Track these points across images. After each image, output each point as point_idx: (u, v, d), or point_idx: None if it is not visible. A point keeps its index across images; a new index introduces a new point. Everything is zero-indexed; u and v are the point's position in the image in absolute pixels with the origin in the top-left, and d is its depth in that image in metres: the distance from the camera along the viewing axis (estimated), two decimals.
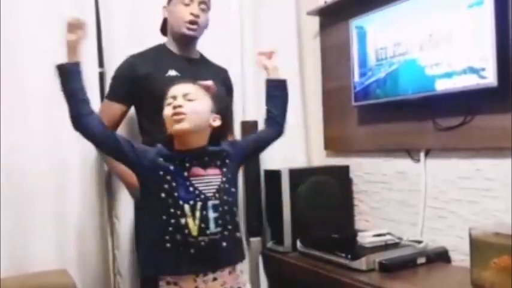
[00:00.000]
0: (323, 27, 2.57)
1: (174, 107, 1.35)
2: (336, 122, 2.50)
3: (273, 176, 2.21)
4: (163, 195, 1.32)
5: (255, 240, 2.27)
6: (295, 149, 2.48)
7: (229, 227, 1.37)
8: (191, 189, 1.33)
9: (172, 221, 1.31)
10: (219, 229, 1.34)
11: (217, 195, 1.36)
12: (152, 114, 1.76)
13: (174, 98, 1.37)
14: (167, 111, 1.37)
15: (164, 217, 1.31)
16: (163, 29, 1.94)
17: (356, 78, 2.22)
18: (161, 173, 1.34)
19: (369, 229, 2.19)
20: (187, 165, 1.35)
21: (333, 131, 2.52)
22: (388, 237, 1.98)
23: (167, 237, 1.31)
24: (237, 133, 2.20)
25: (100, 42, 2.04)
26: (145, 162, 1.36)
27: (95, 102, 1.95)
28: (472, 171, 1.83)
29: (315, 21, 2.59)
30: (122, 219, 2.02)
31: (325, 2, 2.41)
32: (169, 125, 1.37)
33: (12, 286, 1.59)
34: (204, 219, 1.32)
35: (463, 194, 1.86)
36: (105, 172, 2.02)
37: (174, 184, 1.32)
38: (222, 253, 1.35)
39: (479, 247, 1.55)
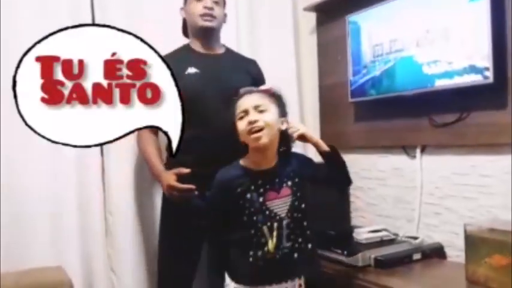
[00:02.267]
0: (320, 23, 2.57)
1: (250, 122, 1.43)
2: (333, 118, 2.50)
3: None
4: (245, 218, 1.45)
5: None
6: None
7: (300, 239, 1.48)
8: (267, 212, 1.45)
9: (254, 239, 1.44)
10: (290, 243, 1.46)
11: (289, 214, 1.48)
12: None
13: (246, 112, 1.45)
14: (241, 125, 1.45)
15: (246, 236, 1.45)
16: (185, 31, 1.97)
17: (352, 74, 2.22)
18: (241, 202, 1.46)
19: (365, 225, 2.20)
20: (261, 190, 1.46)
21: (330, 127, 2.52)
22: (384, 233, 1.99)
23: (250, 253, 1.45)
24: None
25: None
26: (228, 197, 1.47)
27: None
28: (468, 167, 1.83)
29: (312, 17, 2.58)
30: (116, 217, 2.02)
31: None
32: (245, 139, 1.46)
33: (8, 282, 1.58)
34: (280, 237, 1.45)
35: (459, 190, 1.87)
36: (101, 169, 2.02)
37: (252, 210, 1.45)
38: (294, 264, 1.47)
39: (474, 243, 1.56)
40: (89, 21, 1.99)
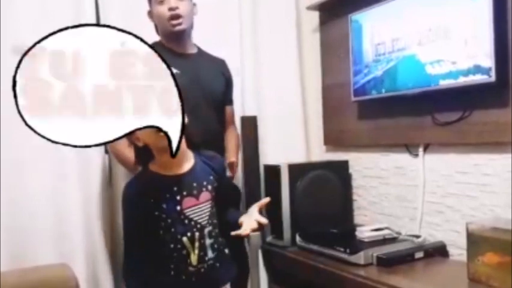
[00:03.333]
0: (323, 22, 2.57)
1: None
2: (336, 117, 2.50)
3: (273, 171, 2.21)
4: (161, 231, 1.35)
5: (255, 235, 2.27)
6: (295, 144, 2.49)
7: (221, 247, 1.42)
8: (186, 221, 1.35)
9: (174, 254, 1.34)
10: (215, 253, 1.39)
11: (210, 221, 1.39)
12: None
13: None
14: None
15: (165, 252, 1.34)
16: (157, 31, 1.94)
17: (354, 74, 2.22)
18: (156, 213, 1.34)
19: (368, 224, 2.21)
20: (178, 198, 1.35)
21: (333, 126, 2.53)
22: (386, 231, 1.99)
23: (172, 266, 1.35)
24: (237, 128, 2.21)
25: None
26: (142, 213, 1.35)
27: None
28: (470, 166, 1.83)
29: (315, 16, 2.59)
30: (120, 214, 2.02)
31: None
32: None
33: (12, 280, 1.60)
34: (203, 247, 1.36)
35: (461, 188, 1.87)
36: (107, 168, 2.03)
37: (169, 220, 1.34)
38: (218, 274, 1.41)
39: (476, 241, 1.56)
40: (93, 19, 2.00)
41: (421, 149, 2.03)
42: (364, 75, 2.17)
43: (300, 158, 2.48)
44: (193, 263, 1.35)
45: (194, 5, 1.92)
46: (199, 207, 1.38)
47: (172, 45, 1.87)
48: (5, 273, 1.68)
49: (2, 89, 1.80)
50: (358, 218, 2.39)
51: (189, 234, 1.35)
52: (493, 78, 1.64)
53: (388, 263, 1.75)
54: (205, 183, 1.42)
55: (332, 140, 2.56)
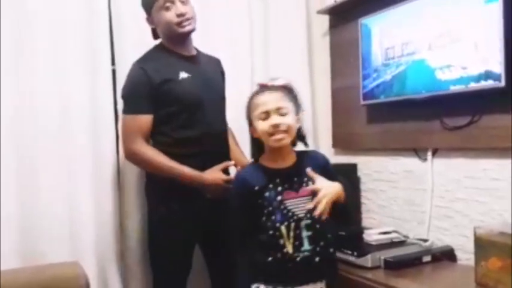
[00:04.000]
0: (333, 26, 2.58)
1: (274, 126, 1.47)
2: (344, 120, 2.51)
3: None
4: (263, 218, 1.48)
5: None
6: (303, 147, 2.49)
7: (322, 243, 1.50)
8: (285, 211, 1.47)
9: (272, 240, 1.46)
10: (312, 247, 1.48)
11: (308, 215, 1.48)
12: (171, 118, 1.82)
13: (268, 113, 1.48)
14: (264, 126, 1.48)
15: (265, 237, 1.47)
16: (156, 36, 1.94)
17: (362, 78, 2.23)
18: (259, 201, 1.48)
19: (376, 227, 2.21)
20: (279, 189, 1.49)
21: (341, 129, 2.54)
22: (394, 235, 2.00)
23: (270, 252, 1.47)
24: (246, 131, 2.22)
25: (112, 41, 2.07)
26: (247, 196, 1.49)
27: (108, 99, 2.02)
28: (479, 171, 1.83)
29: (325, 20, 2.60)
30: (130, 214, 2.05)
31: (335, 1, 2.43)
32: (266, 140, 1.50)
33: (25, 276, 1.63)
34: (298, 237, 1.46)
35: (470, 193, 1.87)
36: (117, 167, 2.06)
37: (270, 209, 1.47)
38: (315, 267, 1.48)
39: (483, 246, 1.56)
40: (106, 16, 2.03)
41: (429, 154, 2.03)
42: (373, 80, 2.18)
43: None
44: (289, 251, 1.46)
45: (192, 6, 1.91)
46: (298, 200, 1.49)
47: (178, 48, 1.89)
48: (18, 270, 1.71)
49: (17, 90, 1.85)
50: (366, 221, 2.40)
51: (286, 223, 1.46)
52: (502, 83, 1.64)
53: (395, 266, 1.76)
54: (306, 179, 1.51)
55: (341, 143, 2.57)
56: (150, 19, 1.90)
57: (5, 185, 1.80)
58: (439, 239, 1.98)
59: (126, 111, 1.84)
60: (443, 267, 1.82)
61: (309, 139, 2.44)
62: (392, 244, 1.94)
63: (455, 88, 1.80)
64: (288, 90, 1.55)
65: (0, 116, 1.80)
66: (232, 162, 1.84)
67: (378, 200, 2.34)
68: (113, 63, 2.08)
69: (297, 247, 1.46)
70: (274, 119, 1.47)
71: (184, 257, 1.87)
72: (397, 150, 2.21)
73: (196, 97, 1.82)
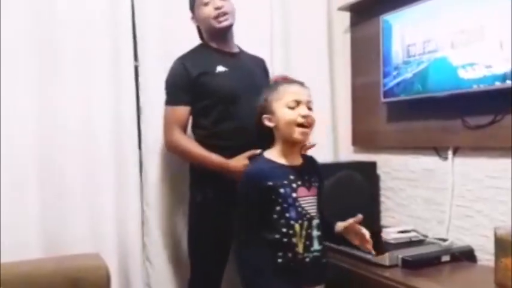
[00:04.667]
0: (354, 22, 2.57)
1: (303, 116, 1.43)
2: (365, 118, 2.50)
3: None
4: (275, 216, 1.42)
5: None
6: (323, 144, 2.49)
7: (325, 244, 1.49)
8: (299, 209, 1.43)
9: (284, 239, 1.41)
10: (321, 247, 1.45)
11: (317, 214, 1.47)
12: (208, 110, 1.87)
13: (298, 103, 1.45)
14: (292, 115, 1.43)
15: (276, 236, 1.40)
16: (202, 37, 2.01)
17: (385, 75, 2.21)
18: (273, 196, 1.42)
19: (395, 226, 2.20)
20: (294, 186, 1.44)
21: (361, 127, 2.53)
22: (412, 234, 1.98)
23: (280, 254, 1.41)
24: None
25: (135, 37, 2.10)
26: (259, 192, 1.43)
27: (131, 95, 2.06)
28: (500, 170, 1.81)
29: (346, 16, 2.59)
30: (152, 207, 2.09)
31: None
32: (289, 129, 1.44)
33: (50, 266, 1.68)
34: (309, 237, 1.43)
35: (491, 193, 1.85)
36: (139, 161, 2.09)
37: (285, 205, 1.42)
38: (322, 269, 1.47)
39: (504, 246, 1.54)
40: (128, 13, 2.06)
41: (450, 152, 2.01)
42: (393, 78, 2.16)
43: (327, 157, 2.48)
44: (299, 250, 1.42)
45: (232, 3, 1.97)
46: (310, 198, 1.47)
47: (218, 45, 1.95)
48: (42, 260, 1.77)
49: (40, 89, 1.89)
50: (385, 220, 2.38)
51: (300, 221, 1.42)
52: None
53: (413, 265, 1.75)
54: (313, 179, 1.51)
55: (360, 140, 2.56)
56: (194, 17, 1.97)
57: (29, 178, 1.85)
58: (458, 239, 1.96)
59: (166, 102, 1.92)
60: (463, 268, 1.80)
61: (329, 136, 2.50)
62: (411, 243, 1.93)
63: (477, 87, 1.77)
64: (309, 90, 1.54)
65: (25, 114, 1.85)
66: (259, 150, 1.83)
67: (397, 198, 2.32)
68: (136, 59, 2.11)
69: (307, 247, 1.43)
70: (304, 110, 1.44)
71: (218, 246, 1.88)
72: (418, 148, 2.19)
73: (231, 91, 1.85)
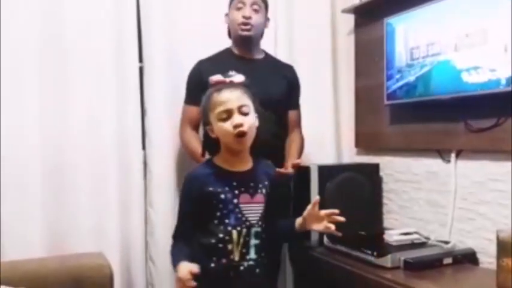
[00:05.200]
0: (358, 25, 2.57)
1: (236, 126, 1.38)
2: (368, 120, 2.50)
3: (302, 172, 2.23)
4: (215, 221, 1.40)
5: None
6: (326, 146, 2.50)
7: (262, 253, 1.45)
8: (239, 216, 1.41)
9: (220, 245, 1.39)
10: (256, 256, 1.43)
11: (259, 223, 1.44)
12: None
13: (230, 112, 1.38)
14: (226, 127, 1.38)
15: (212, 241, 1.39)
16: (230, 35, 2.05)
17: (388, 77, 2.22)
18: (214, 201, 1.41)
19: (397, 228, 2.20)
20: (236, 192, 1.42)
21: (365, 129, 2.53)
22: (415, 236, 1.98)
23: (214, 258, 1.39)
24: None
25: (140, 39, 2.11)
26: (199, 197, 1.42)
27: (135, 96, 2.08)
28: (503, 173, 1.81)
29: (350, 19, 2.60)
30: (155, 207, 2.11)
31: (361, 0, 2.42)
32: (228, 140, 1.41)
33: (54, 265, 1.69)
34: (246, 245, 1.40)
35: (493, 196, 1.85)
36: (143, 160, 2.11)
37: (225, 211, 1.40)
38: (256, 278, 1.43)
39: (506, 249, 1.54)
40: (134, 15, 2.07)
41: (453, 155, 2.02)
42: (396, 81, 2.17)
43: (330, 159, 2.49)
44: (235, 258, 1.40)
45: (268, 19, 2.05)
46: (252, 206, 1.44)
47: (238, 50, 2.01)
48: (46, 258, 1.78)
49: (46, 90, 1.91)
50: (387, 222, 2.39)
51: (238, 228, 1.40)
52: None
53: (415, 267, 1.75)
54: (260, 185, 1.48)
55: (363, 142, 2.56)
56: (227, 16, 2.02)
57: (33, 177, 1.87)
58: (461, 242, 1.96)
59: (184, 101, 2.03)
60: (465, 270, 1.80)
61: (332, 138, 2.51)
62: (413, 245, 1.93)
63: (480, 90, 1.78)
64: (246, 87, 1.45)
65: (31, 115, 1.88)
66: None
67: (399, 200, 2.33)
68: (141, 60, 2.12)
69: (243, 255, 1.41)
70: (237, 119, 1.38)
71: None
72: (421, 151, 2.19)
73: None
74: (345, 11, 2.53)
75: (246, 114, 1.40)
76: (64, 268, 1.68)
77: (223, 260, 1.40)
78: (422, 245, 1.94)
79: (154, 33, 2.11)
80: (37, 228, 1.87)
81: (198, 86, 1.87)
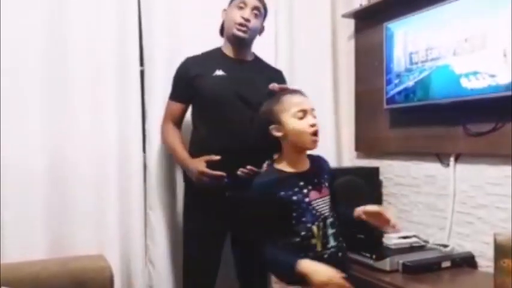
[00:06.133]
0: (358, 30, 2.59)
1: (312, 125, 1.48)
2: (368, 124, 2.52)
3: None
4: (293, 221, 1.48)
5: None
6: (326, 149, 2.50)
7: (340, 238, 1.54)
8: (314, 212, 1.50)
9: (304, 242, 1.47)
10: (336, 243, 1.51)
11: (330, 212, 1.53)
12: (201, 112, 1.92)
13: (305, 112, 1.49)
14: (302, 125, 1.48)
15: (296, 240, 1.47)
16: (222, 31, 2.02)
17: (388, 82, 2.23)
18: (287, 205, 1.48)
19: (396, 231, 2.20)
20: (305, 191, 1.50)
21: (365, 133, 2.55)
22: (414, 239, 2.00)
23: (302, 254, 1.45)
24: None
25: (141, 42, 2.13)
26: (272, 203, 1.47)
27: (136, 99, 2.09)
28: (502, 177, 1.82)
29: (350, 23, 2.61)
30: (156, 210, 2.12)
31: (361, 5, 2.44)
32: (303, 138, 1.49)
33: (54, 267, 1.71)
34: (325, 236, 1.50)
35: (492, 200, 1.86)
36: (143, 163, 2.12)
37: (300, 211, 1.48)
38: (340, 263, 1.50)
39: (503, 253, 1.55)
40: (135, 19, 2.09)
41: (452, 159, 2.03)
42: (395, 86, 2.18)
43: (330, 163, 2.46)
44: (318, 249, 1.48)
45: (263, 27, 2.03)
46: (322, 200, 1.52)
47: (229, 49, 1.97)
48: (46, 261, 1.79)
49: (48, 89, 1.93)
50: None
51: (316, 223, 1.49)
52: None
53: (413, 270, 1.76)
54: (323, 180, 1.56)
55: (363, 146, 2.57)
56: (225, 11, 1.99)
57: (35, 180, 1.88)
58: (459, 245, 1.97)
59: (168, 96, 2.00)
60: (463, 274, 1.81)
61: (332, 142, 2.52)
62: (411, 248, 1.94)
63: (479, 94, 1.79)
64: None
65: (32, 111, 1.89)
66: (216, 157, 1.80)
67: (399, 204, 2.34)
68: (142, 64, 2.14)
69: (325, 245, 1.49)
70: (312, 120, 1.49)
71: (206, 248, 1.89)
72: (420, 155, 2.21)
73: (222, 95, 1.86)
74: (345, 15, 2.55)
75: (315, 118, 1.52)
76: (65, 270, 1.69)
77: (310, 254, 1.46)
78: (420, 248, 1.95)
79: (156, 36, 2.13)
80: (38, 231, 1.88)
81: (184, 83, 1.92)
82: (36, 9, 1.90)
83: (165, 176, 2.13)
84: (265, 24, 2.38)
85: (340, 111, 2.61)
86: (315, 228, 1.48)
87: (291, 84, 2.41)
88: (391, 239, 1.99)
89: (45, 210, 1.90)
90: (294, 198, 1.48)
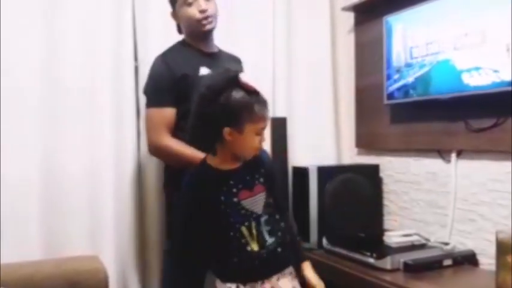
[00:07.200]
0: (358, 23, 2.55)
1: (260, 141, 1.43)
2: (368, 120, 2.48)
3: (301, 173, 2.23)
4: (223, 222, 1.42)
5: None
6: (326, 146, 2.48)
7: (279, 233, 1.48)
8: (243, 212, 1.43)
9: (234, 241, 1.42)
10: (273, 239, 1.46)
11: (265, 210, 1.47)
12: (188, 114, 1.82)
13: (263, 129, 1.43)
14: (256, 144, 1.42)
15: (227, 237, 1.42)
16: (180, 31, 1.96)
17: (388, 76, 2.20)
18: (216, 205, 1.43)
19: (397, 229, 2.18)
20: (234, 190, 1.43)
21: (365, 129, 2.51)
22: (415, 237, 1.97)
23: (235, 254, 1.42)
24: (267, 129, 2.21)
25: (135, 37, 2.10)
26: (201, 203, 1.43)
27: (130, 95, 2.06)
28: (503, 174, 1.79)
29: (350, 17, 2.57)
30: (150, 210, 2.09)
31: None
32: (248, 154, 1.44)
33: (48, 269, 1.68)
34: (261, 234, 1.44)
35: (494, 196, 1.83)
36: (138, 162, 2.09)
37: (228, 211, 1.42)
38: (280, 258, 1.47)
39: (505, 250, 1.52)
40: (129, 14, 2.06)
41: (453, 155, 1.99)
42: (395, 81, 2.14)
43: (330, 160, 2.47)
44: (254, 249, 1.43)
45: (215, 4, 1.92)
46: (253, 199, 1.46)
47: (200, 45, 1.91)
48: (41, 262, 1.77)
49: (43, 84, 1.90)
50: (387, 223, 2.37)
51: (246, 223, 1.43)
52: None
53: (415, 269, 1.73)
54: (257, 176, 1.49)
55: (364, 142, 2.54)
56: (174, 14, 1.92)
57: (30, 180, 1.85)
58: (461, 243, 1.93)
59: (150, 104, 1.84)
60: (464, 272, 1.78)
61: (332, 138, 2.49)
62: (412, 247, 1.91)
63: (480, 90, 1.75)
64: None
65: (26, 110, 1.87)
66: None
67: (399, 201, 2.30)
68: (136, 59, 2.11)
69: (262, 244, 1.44)
70: (263, 136, 1.43)
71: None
72: (421, 151, 2.17)
73: None
74: (344, 9, 2.51)
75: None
76: (60, 271, 1.66)
77: (243, 254, 1.43)
78: (422, 246, 1.92)
79: (150, 31, 2.10)
80: (33, 231, 1.85)
81: (171, 85, 1.79)
82: (30, 9, 1.87)
83: (159, 172, 2.09)
84: (263, 17, 2.36)
85: (340, 107, 2.57)
86: (243, 228, 1.42)
87: (290, 79, 2.41)
88: (391, 238, 1.96)
89: (40, 211, 1.87)
90: (222, 197, 1.42)
